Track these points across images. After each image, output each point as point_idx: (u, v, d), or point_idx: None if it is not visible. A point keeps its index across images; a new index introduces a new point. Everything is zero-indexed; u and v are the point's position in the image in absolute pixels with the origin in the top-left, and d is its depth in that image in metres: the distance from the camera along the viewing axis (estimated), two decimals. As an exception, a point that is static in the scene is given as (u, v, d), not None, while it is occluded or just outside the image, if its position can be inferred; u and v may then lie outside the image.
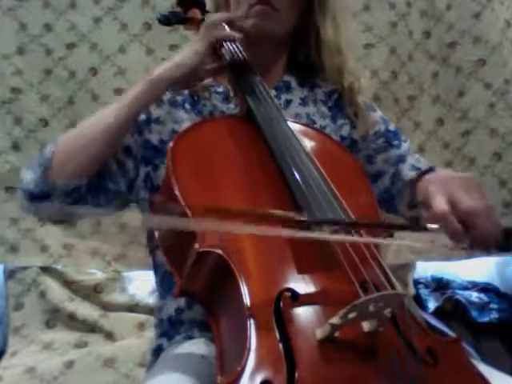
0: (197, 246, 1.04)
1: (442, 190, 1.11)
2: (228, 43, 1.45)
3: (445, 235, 1.06)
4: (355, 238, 1.09)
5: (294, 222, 1.05)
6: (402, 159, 1.55)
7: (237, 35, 1.42)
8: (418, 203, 1.36)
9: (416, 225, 1.08)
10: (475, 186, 1.11)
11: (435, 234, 1.07)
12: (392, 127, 1.61)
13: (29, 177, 1.37)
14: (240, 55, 1.45)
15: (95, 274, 2.40)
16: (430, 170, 1.49)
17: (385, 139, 1.57)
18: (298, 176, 1.18)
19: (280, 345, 0.92)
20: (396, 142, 1.57)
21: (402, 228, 1.13)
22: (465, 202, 1.07)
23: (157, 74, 1.35)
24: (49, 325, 2.26)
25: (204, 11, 1.55)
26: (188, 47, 1.39)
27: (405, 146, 1.58)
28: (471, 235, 1.07)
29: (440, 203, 1.08)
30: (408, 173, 1.51)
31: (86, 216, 1.47)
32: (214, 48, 1.41)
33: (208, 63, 1.39)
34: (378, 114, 1.62)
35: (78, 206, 1.38)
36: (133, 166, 1.45)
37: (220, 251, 1.03)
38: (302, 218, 1.07)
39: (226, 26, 1.42)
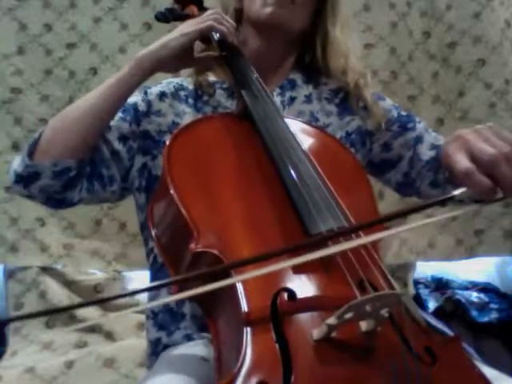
0: (192, 246, 1.04)
1: (460, 148, 1.05)
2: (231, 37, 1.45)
3: (475, 193, 1.01)
4: (365, 240, 1.07)
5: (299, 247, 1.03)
6: (419, 140, 1.55)
7: (230, 37, 1.43)
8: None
9: (443, 198, 1.02)
10: (493, 133, 1.05)
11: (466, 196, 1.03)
12: (404, 112, 1.62)
13: (17, 160, 1.39)
14: (235, 46, 1.46)
15: (95, 273, 2.41)
16: None
17: (399, 124, 1.57)
18: (294, 174, 1.17)
19: (276, 345, 0.91)
20: (411, 125, 1.58)
21: (429, 206, 1.05)
22: (485, 152, 1.01)
23: (142, 54, 1.38)
24: (49, 325, 2.26)
25: (201, 8, 1.55)
26: (178, 29, 1.40)
27: (420, 126, 1.58)
28: (502, 184, 1.01)
29: (460, 162, 1.03)
30: (427, 152, 1.51)
31: (83, 202, 1.46)
32: (208, 38, 1.44)
33: (199, 51, 1.41)
34: (387, 102, 1.63)
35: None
36: (127, 155, 1.46)
37: (216, 251, 1.03)
38: (304, 242, 1.06)
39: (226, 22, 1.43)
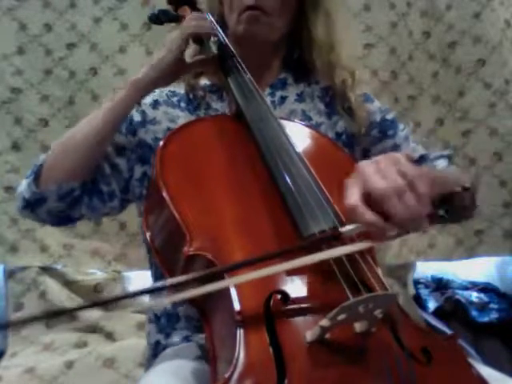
0: (185, 249, 1.03)
1: (357, 180, 0.98)
2: (215, 37, 1.45)
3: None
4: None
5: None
6: (395, 149, 1.52)
7: (212, 32, 1.42)
8: None
9: (316, 240, 1.02)
10: (393, 165, 0.97)
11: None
12: (390, 116, 1.57)
13: (23, 186, 1.42)
14: (226, 47, 1.45)
15: (95, 273, 2.42)
16: (421, 159, 1.49)
17: (379, 129, 1.54)
18: (287, 177, 1.16)
19: (270, 348, 0.91)
20: (391, 132, 1.54)
21: (300, 248, 1.03)
22: (377, 186, 0.95)
23: (136, 78, 1.39)
24: (49, 325, 2.26)
25: (194, 8, 1.55)
26: (163, 46, 1.41)
27: (401, 134, 1.55)
28: (393, 219, 0.95)
29: (349, 197, 0.97)
30: None
31: (84, 218, 1.49)
32: (201, 39, 1.43)
33: (193, 54, 1.40)
34: (375, 105, 1.59)
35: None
36: (127, 166, 1.47)
37: (209, 254, 1.03)
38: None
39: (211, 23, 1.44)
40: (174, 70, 1.39)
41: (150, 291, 1.10)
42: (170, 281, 1.02)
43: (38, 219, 1.46)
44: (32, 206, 1.40)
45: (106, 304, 1.22)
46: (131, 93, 1.39)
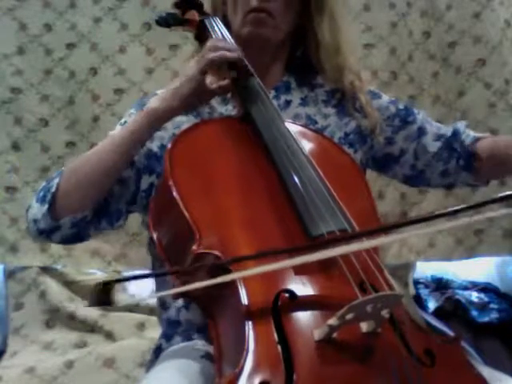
0: (194, 247, 1.04)
1: None
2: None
3: None
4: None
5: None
6: (422, 132, 1.57)
7: (232, 55, 1.34)
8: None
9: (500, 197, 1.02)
10: None
11: None
12: (401, 105, 1.62)
13: (36, 212, 1.40)
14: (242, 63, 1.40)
15: (95, 273, 2.41)
16: (455, 133, 1.54)
17: (400, 118, 1.58)
18: (295, 178, 1.17)
19: (278, 346, 0.92)
20: (411, 118, 1.58)
21: (484, 204, 1.04)
22: None
23: (154, 107, 1.35)
24: (49, 325, 2.26)
25: (202, 13, 1.55)
26: (183, 74, 1.37)
27: (419, 117, 1.59)
28: None
29: None
30: (433, 143, 1.55)
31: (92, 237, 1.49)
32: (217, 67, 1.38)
33: (210, 83, 1.30)
34: (384, 99, 1.63)
35: None
36: (134, 177, 1.45)
37: (218, 253, 1.04)
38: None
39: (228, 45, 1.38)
40: (196, 97, 1.35)
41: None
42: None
43: (51, 242, 1.49)
44: (47, 232, 1.41)
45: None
46: (148, 123, 1.36)
